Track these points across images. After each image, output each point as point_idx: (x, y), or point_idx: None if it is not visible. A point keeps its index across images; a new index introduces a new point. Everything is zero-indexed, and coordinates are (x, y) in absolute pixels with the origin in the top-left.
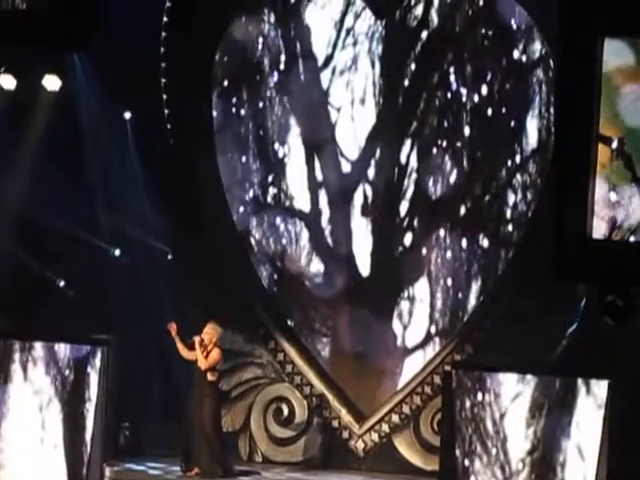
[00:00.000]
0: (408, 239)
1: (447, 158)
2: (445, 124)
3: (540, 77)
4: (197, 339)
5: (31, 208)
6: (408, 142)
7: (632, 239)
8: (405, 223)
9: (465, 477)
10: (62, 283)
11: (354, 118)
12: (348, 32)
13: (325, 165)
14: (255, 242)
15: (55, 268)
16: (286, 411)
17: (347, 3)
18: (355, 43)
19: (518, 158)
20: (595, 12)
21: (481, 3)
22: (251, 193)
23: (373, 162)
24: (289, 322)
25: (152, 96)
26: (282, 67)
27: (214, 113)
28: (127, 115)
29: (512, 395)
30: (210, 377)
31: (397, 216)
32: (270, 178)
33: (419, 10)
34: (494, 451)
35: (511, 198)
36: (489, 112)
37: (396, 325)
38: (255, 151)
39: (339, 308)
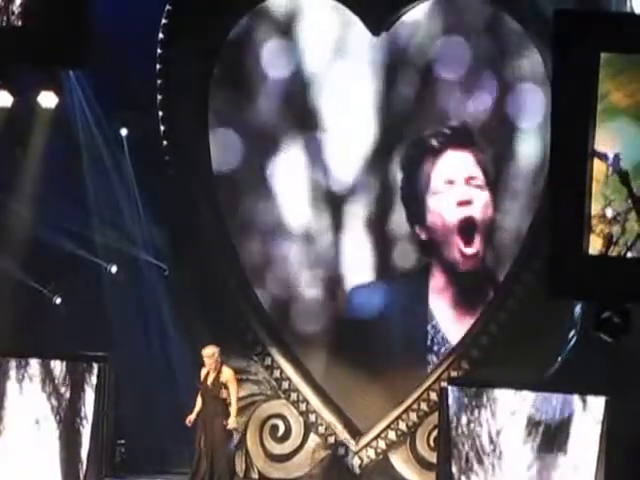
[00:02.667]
0: (402, 253)
1: (468, 158)
2: (439, 139)
3: (536, 92)
4: (208, 370)
5: (27, 225)
6: (401, 156)
7: (629, 255)
8: (399, 237)
9: None
10: (58, 300)
11: (347, 134)
12: (342, 48)
13: (319, 180)
14: (252, 258)
15: (51, 285)
16: (282, 428)
17: (342, 19)
18: (350, 59)
19: (513, 174)
20: (591, 27)
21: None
22: (247, 209)
23: (367, 179)
24: (285, 339)
25: (148, 113)
26: (277, 82)
27: (209, 129)
28: (123, 132)
29: (508, 411)
30: (223, 395)
31: (391, 231)
32: (265, 194)
33: (411, 26)
34: (490, 467)
35: (507, 213)
36: (484, 126)
37: (393, 341)
38: (248, 167)
39: (336, 324)
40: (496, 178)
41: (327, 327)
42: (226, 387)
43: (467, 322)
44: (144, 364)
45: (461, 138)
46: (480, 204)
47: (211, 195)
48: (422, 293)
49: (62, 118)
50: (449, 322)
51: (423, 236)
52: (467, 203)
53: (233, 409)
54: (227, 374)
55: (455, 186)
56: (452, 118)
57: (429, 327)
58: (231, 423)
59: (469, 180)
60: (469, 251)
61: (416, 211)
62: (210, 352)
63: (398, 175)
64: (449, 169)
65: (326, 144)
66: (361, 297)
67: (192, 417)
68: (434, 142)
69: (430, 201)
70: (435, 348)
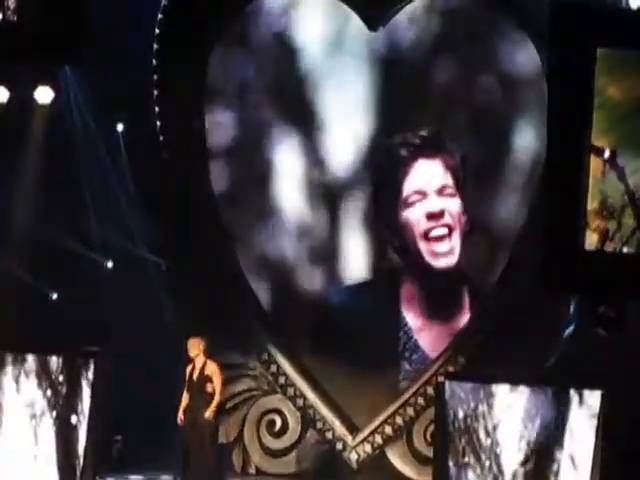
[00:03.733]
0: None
1: (439, 167)
2: (438, 131)
3: (534, 88)
4: (193, 365)
5: (23, 221)
6: (400, 150)
7: (624, 250)
8: (397, 232)
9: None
10: (55, 295)
11: (346, 127)
12: (339, 42)
13: (319, 173)
14: (248, 253)
15: (47, 281)
16: (279, 423)
17: (339, 14)
18: (346, 54)
19: (509, 169)
20: (588, 23)
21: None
22: (244, 205)
23: (364, 173)
24: (282, 334)
25: (144, 108)
26: (273, 76)
27: (206, 125)
28: (120, 127)
29: (505, 406)
30: (209, 388)
31: (390, 224)
32: (262, 190)
33: (408, 21)
34: (487, 462)
35: (503, 208)
36: (482, 120)
37: (389, 335)
38: (244, 163)
39: (332, 319)
40: (490, 171)
41: (324, 322)
42: (211, 380)
43: (439, 328)
44: (140, 360)
45: (431, 146)
46: (452, 212)
47: (208, 191)
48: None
49: (58, 114)
50: (420, 329)
51: (396, 243)
52: (439, 215)
53: (215, 400)
54: (212, 367)
55: (427, 198)
56: (428, 123)
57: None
58: (207, 412)
59: (441, 190)
60: (442, 249)
61: (388, 219)
62: (193, 340)
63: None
64: (421, 180)
65: (322, 139)
66: (357, 292)
67: (181, 415)
68: (404, 152)
69: (403, 212)
70: (407, 355)
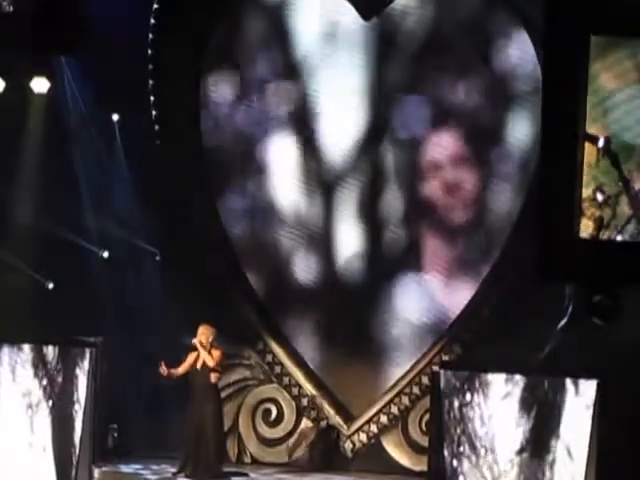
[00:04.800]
0: (395, 239)
1: (433, 158)
2: (430, 124)
3: (528, 77)
4: (197, 341)
5: (18, 210)
6: (394, 142)
7: (619, 238)
8: (392, 222)
9: (454, 477)
10: (51, 285)
11: (341, 119)
12: (333, 32)
13: (313, 165)
14: (243, 243)
15: (43, 270)
16: (275, 412)
17: (333, 3)
18: (340, 43)
19: (504, 157)
20: (582, 10)
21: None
22: (239, 194)
23: (360, 163)
24: (277, 323)
25: (139, 98)
26: (268, 67)
27: (201, 114)
28: (115, 117)
29: (500, 395)
30: (213, 379)
31: (383, 215)
32: (257, 179)
33: (404, 11)
34: (482, 451)
35: (497, 196)
36: (475, 111)
37: (385, 324)
38: (241, 152)
39: (328, 308)
40: (485, 159)
41: (319, 311)
42: (216, 370)
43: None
44: (136, 349)
45: (443, 120)
46: (469, 182)
47: (203, 180)
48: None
49: (53, 103)
50: (443, 296)
51: (413, 217)
52: (455, 187)
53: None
54: (217, 353)
55: (442, 170)
56: (441, 102)
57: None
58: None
59: (455, 161)
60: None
61: (407, 194)
62: (206, 327)
63: (388, 160)
64: (434, 153)
65: (317, 129)
66: (353, 281)
67: (165, 368)
68: (416, 127)
69: (419, 185)
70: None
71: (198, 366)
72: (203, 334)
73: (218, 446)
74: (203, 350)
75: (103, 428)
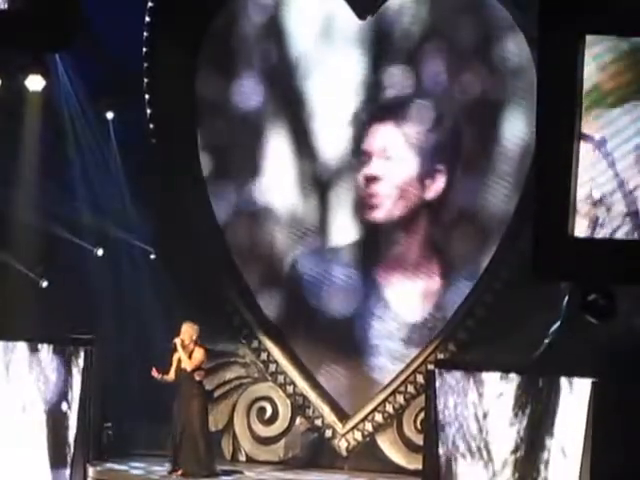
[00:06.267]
0: (391, 238)
1: (429, 155)
2: (427, 120)
3: (523, 76)
4: (178, 341)
5: (13, 208)
6: (392, 138)
7: (614, 237)
8: (387, 221)
9: (448, 476)
10: (45, 283)
11: (335, 116)
12: (328, 31)
13: (308, 164)
14: (238, 241)
15: (37, 268)
16: (269, 410)
17: (328, 2)
18: (336, 42)
19: (498, 156)
20: (576, 9)
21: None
22: (234, 193)
23: (355, 159)
24: (272, 321)
25: (134, 96)
26: (263, 65)
27: (196, 112)
28: (109, 115)
29: (495, 394)
30: (197, 377)
31: (379, 211)
32: (253, 178)
33: (397, 9)
34: (477, 450)
35: (492, 195)
36: (470, 109)
37: (380, 323)
38: (236, 151)
39: (323, 306)
40: (481, 158)
41: (314, 309)
42: (201, 368)
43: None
44: (130, 348)
45: (389, 111)
46: (396, 176)
47: (198, 178)
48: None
49: (48, 101)
50: (438, 295)
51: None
52: (374, 179)
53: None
54: (198, 355)
55: (370, 160)
56: (436, 101)
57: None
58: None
59: (382, 153)
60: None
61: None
62: (189, 325)
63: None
64: (371, 143)
65: (312, 127)
66: (349, 279)
67: (156, 372)
68: (364, 115)
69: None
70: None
71: (182, 364)
72: (186, 332)
73: (206, 442)
74: (182, 351)
75: (98, 427)
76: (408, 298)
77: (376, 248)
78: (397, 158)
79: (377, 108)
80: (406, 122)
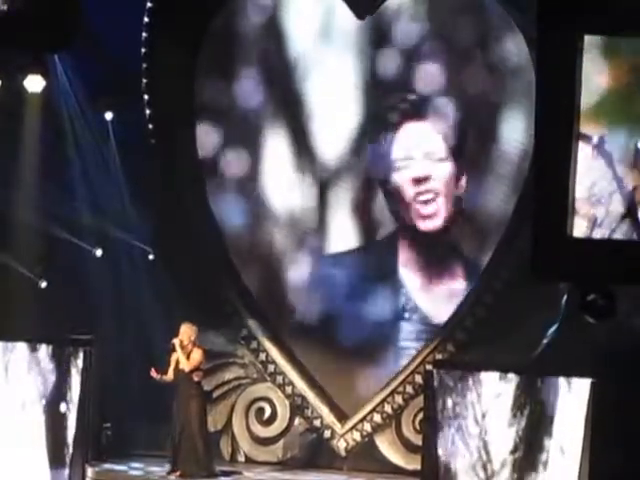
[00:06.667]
0: (389, 237)
1: (427, 131)
2: (425, 120)
3: (521, 76)
4: (176, 341)
5: (12, 208)
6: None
7: (613, 237)
8: (386, 219)
9: (447, 476)
10: (44, 284)
11: (332, 118)
12: (327, 32)
13: (307, 164)
14: (237, 241)
15: (37, 269)
16: (268, 411)
17: (327, 3)
18: (335, 42)
19: (497, 156)
20: (575, 8)
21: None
22: (233, 193)
23: (354, 159)
24: (271, 322)
25: (133, 96)
26: (262, 65)
27: (195, 113)
28: (108, 115)
29: (494, 394)
30: (195, 377)
31: (377, 212)
32: (251, 178)
33: (396, 9)
34: (476, 450)
35: (491, 196)
36: (469, 109)
37: (378, 323)
38: (235, 151)
39: (321, 306)
40: (479, 158)
41: (312, 310)
42: (199, 369)
43: (436, 290)
44: (130, 348)
45: (419, 110)
46: (440, 177)
47: (196, 178)
48: (393, 264)
49: (47, 102)
50: (419, 290)
51: (391, 207)
52: (424, 180)
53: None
54: (196, 355)
55: (413, 162)
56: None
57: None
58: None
59: (428, 155)
60: (427, 213)
61: (381, 183)
62: (187, 326)
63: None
64: (406, 144)
65: (311, 127)
66: (347, 279)
67: (155, 372)
68: (392, 116)
69: (392, 177)
70: (407, 315)
71: (181, 365)
72: (185, 333)
73: (205, 442)
74: (181, 352)
75: (97, 427)
76: (408, 298)
77: (376, 250)
78: (438, 158)
79: (409, 107)
80: (438, 120)
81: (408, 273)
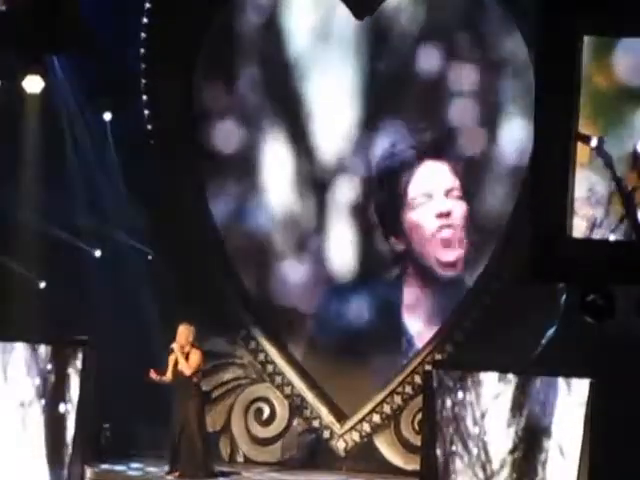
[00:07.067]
0: (388, 237)
1: (445, 169)
2: (423, 120)
3: (521, 77)
4: (176, 346)
5: (11, 209)
6: (386, 139)
7: (612, 238)
8: (382, 222)
9: (446, 476)
10: (43, 284)
11: (334, 116)
12: (326, 32)
13: (306, 164)
14: (236, 242)
15: (36, 269)
16: (267, 411)
17: (326, 3)
18: (333, 43)
19: (496, 156)
20: (575, 11)
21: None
22: (232, 194)
23: (352, 159)
24: (270, 323)
25: (132, 97)
26: (261, 66)
27: (194, 113)
28: (107, 116)
29: (493, 394)
30: (194, 379)
31: (374, 214)
32: (250, 179)
33: (395, 9)
34: (475, 450)
35: (490, 196)
36: (468, 108)
37: (377, 323)
38: (234, 151)
39: (320, 307)
40: (478, 159)
41: (311, 311)
42: (197, 370)
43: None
44: (128, 348)
45: (437, 149)
46: (459, 214)
47: (196, 179)
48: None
49: (47, 102)
50: (436, 294)
51: (399, 247)
52: (447, 215)
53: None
54: (195, 357)
55: (434, 199)
56: (429, 121)
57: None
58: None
59: (448, 193)
60: (449, 258)
61: (392, 223)
62: (187, 326)
63: (373, 187)
64: (427, 182)
65: (310, 127)
66: (346, 280)
67: (154, 374)
68: (409, 155)
69: (408, 214)
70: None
71: (180, 366)
72: (182, 334)
73: (204, 443)
74: (180, 355)
75: (96, 427)
76: (406, 298)
77: (375, 251)
78: (457, 196)
79: (426, 146)
80: (452, 159)
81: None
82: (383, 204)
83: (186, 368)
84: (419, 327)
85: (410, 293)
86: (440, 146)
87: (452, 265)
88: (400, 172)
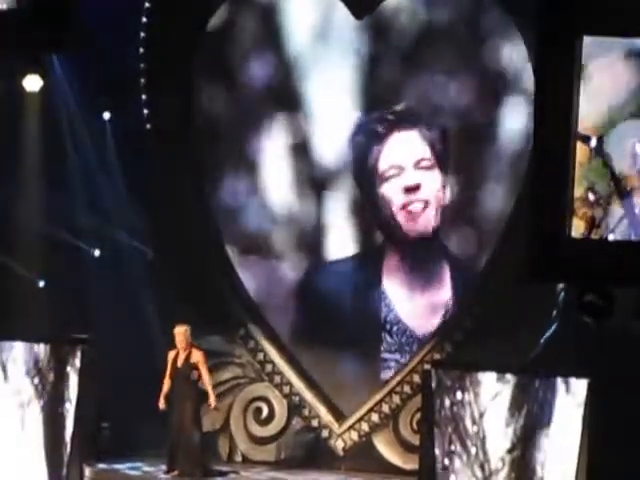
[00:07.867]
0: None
1: (415, 140)
2: (424, 120)
3: (520, 76)
4: (177, 351)
5: (10, 208)
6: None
7: (611, 238)
8: (382, 221)
9: (444, 476)
10: (42, 283)
11: (330, 118)
12: (325, 31)
13: (305, 164)
14: (235, 242)
15: (35, 268)
16: (266, 410)
17: (325, 2)
18: (333, 42)
19: (496, 157)
20: (574, 10)
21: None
22: (231, 193)
23: (352, 161)
24: (269, 322)
25: (131, 96)
26: (260, 66)
27: (193, 112)
28: (106, 115)
29: (491, 394)
30: (194, 376)
31: (374, 214)
32: (249, 179)
33: (394, 9)
34: (473, 450)
35: (489, 195)
36: (468, 108)
37: (376, 323)
38: (233, 151)
39: (319, 307)
40: (477, 159)
41: (310, 310)
42: (196, 368)
43: (420, 300)
44: (128, 348)
45: (406, 120)
46: (430, 184)
47: (195, 179)
48: (376, 274)
49: (46, 102)
50: (402, 300)
51: (377, 219)
52: (415, 189)
53: (209, 389)
54: (197, 355)
55: (404, 171)
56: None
57: (382, 306)
58: (213, 402)
59: (418, 163)
60: (419, 229)
61: (368, 195)
62: (182, 329)
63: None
64: (396, 154)
65: (309, 126)
66: (345, 279)
67: (162, 401)
68: (379, 127)
69: (380, 189)
70: (389, 327)
71: (178, 364)
72: (181, 335)
73: (202, 442)
74: (182, 354)
75: (95, 427)
76: (405, 297)
77: (374, 250)
78: (427, 166)
79: (395, 116)
80: (422, 128)
81: (396, 279)
82: (360, 180)
83: (207, 380)
84: (399, 294)
85: (390, 261)
86: (409, 117)
87: (422, 225)
88: (370, 145)
